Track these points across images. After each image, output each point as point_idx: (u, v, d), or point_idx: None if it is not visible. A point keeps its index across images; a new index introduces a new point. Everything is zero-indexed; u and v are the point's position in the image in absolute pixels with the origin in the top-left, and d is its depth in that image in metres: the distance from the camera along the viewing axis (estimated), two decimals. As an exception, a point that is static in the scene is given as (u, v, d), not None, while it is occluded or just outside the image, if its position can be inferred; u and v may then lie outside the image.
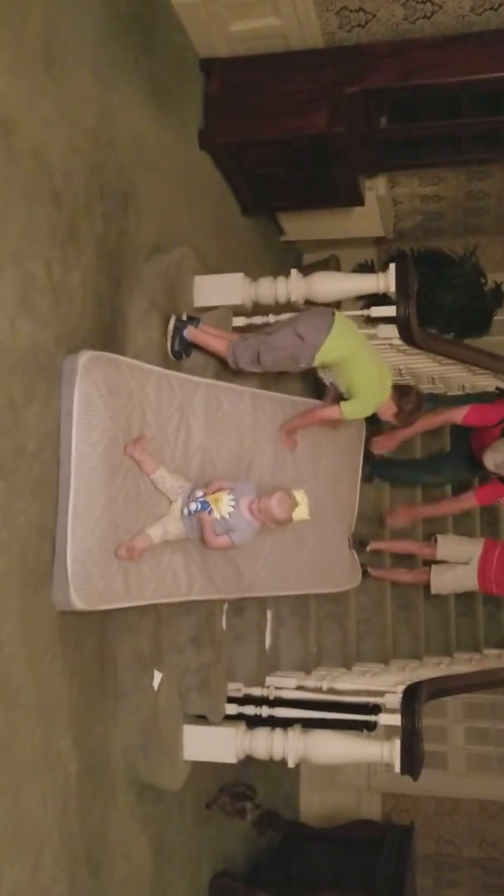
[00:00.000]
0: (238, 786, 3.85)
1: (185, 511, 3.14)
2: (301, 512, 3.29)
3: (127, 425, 3.02)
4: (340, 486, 4.26)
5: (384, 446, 4.45)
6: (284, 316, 3.81)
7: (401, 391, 3.80)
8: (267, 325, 3.78)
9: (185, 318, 3.58)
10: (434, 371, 4.65)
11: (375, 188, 5.73)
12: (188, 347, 3.62)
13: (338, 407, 3.72)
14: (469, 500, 4.51)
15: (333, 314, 3.56)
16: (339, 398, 3.77)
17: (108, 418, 2.92)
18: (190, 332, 3.57)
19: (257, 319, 3.89)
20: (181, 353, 3.59)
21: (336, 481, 4.20)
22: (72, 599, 2.79)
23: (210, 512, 3.14)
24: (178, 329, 3.55)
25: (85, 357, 2.86)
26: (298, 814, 6.43)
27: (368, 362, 3.65)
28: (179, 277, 3.70)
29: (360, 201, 5.47)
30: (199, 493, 3.16)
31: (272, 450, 3.79)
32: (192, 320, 3.59)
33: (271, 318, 3.88)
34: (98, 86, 3.32)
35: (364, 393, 3.67)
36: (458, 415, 4.32)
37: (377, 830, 5.50)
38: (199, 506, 3.14)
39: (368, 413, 3.80)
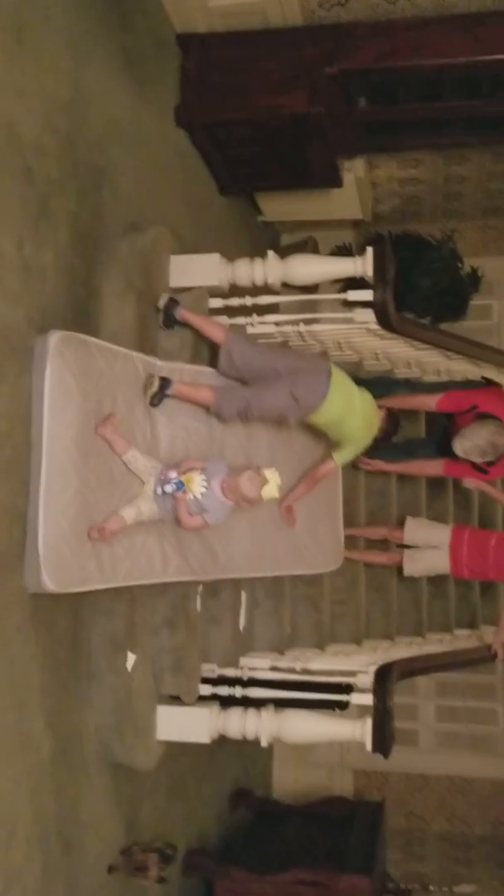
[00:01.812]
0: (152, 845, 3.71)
1: (159, 491, 3.13)
2: (270, 490, 3.29)
3: (98, 406, 3.02)
4: (312, 465, 4.26)
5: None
6: (271, 300, 3.82)
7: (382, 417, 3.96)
8: (259, 346, 3.74)
9: (160, 320, 3.58)
10: (410, 356, 4.66)
11: (354, 170, 5.70)
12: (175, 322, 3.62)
13: (332, 462, 3.86)
14: (437, 468, 4.54)
15: (330, 373, 3.57)
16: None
17: (80, 399, 2.90)
18: (182, 313, 3.57)
19: (234, 301, 3.87)
20: (171, 323, 3.61)
21: (312, 464, 4.20)
22: (44, 582, 2.78)
23: (185, 492, 3.14)
24: (170, 309, 3.56)
25: (56, 337, 2.83)
26: (272, 791, 6.51)
27: (357, 414, 3.70)
28: (155, 257, 3.67)
29: (338, 183, 5.45)
30: (173, 474, 3.15)
31: (244, 432, 3.78)
32: (174, 305, 3.56)
33: (248, 301, 3.86)
34: (72, 60, 3.27)
35: (355, 442, 3.81)
36: (433, 401, 4.34)
37: (349, 807, 5.58)
38: (174, 486, 3.13)
39: (362, 451, 3.95)
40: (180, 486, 3.14)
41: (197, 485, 3.17)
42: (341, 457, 3.85)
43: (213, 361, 3.73)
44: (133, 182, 3.83)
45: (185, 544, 3.42)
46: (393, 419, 4.00)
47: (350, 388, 3.69)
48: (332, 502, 4.37)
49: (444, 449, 4.42)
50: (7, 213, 2.74)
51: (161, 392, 3.35)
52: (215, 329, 3.62)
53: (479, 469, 4.27)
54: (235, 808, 5.47)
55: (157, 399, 3.35)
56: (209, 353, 3.84)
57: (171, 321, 3.60)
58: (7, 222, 2.74)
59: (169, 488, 3.13)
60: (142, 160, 3.97)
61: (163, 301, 3.56)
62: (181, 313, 3.57)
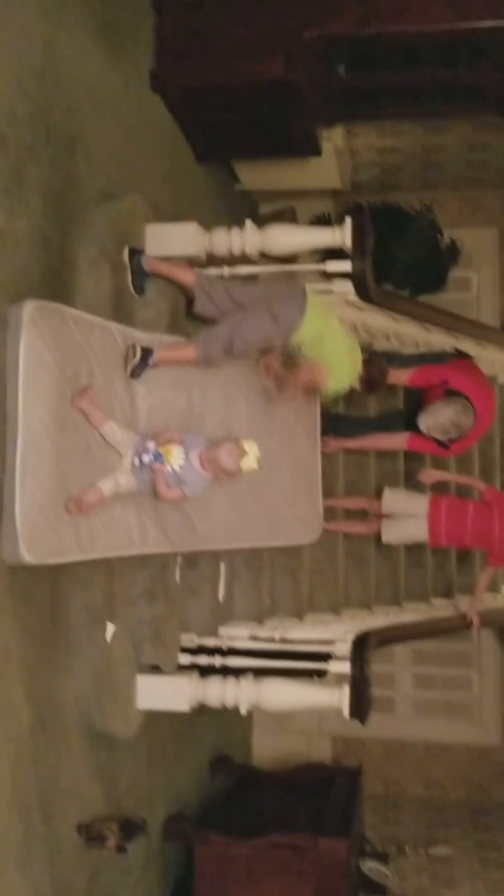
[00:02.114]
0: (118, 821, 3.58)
1: (137, 462, 3.12)
2: (249, 462, 3.28)
3: (74, 377, 2.99)
4: (296, 441, 4.24)
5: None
6: (250, 270, 3.78)
7: (366, 360, 3.94)
8: (230, 281, 3.73)
9: (131, 257, 3.54)
10: (389, 328, 4.67)
11: (333, 139, 5.65)
12: (146, 277, 3.58)
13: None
14: (400, 442, 4.56)
15: (305, 292, 3.58)
16: None
17: (55, 370, 2.88)
18: (148, 262, 3.54)
19: (212, 271, 3.84)
20: (142, 282, 3.56)
21: (291, 436, 4.19)
22: (21, 553, 2.77)
23: (163, 463, 3.13)
24: (136, 260, 3.51)
25: (30, 307, 2.79)
26: (251, 758, 6.60)
27: (340, 336, 3.71)
28: (130, 226, 3.63)
29: (316, 151, 5.40)
30: (151, 445, 3.14)
31: (223, 404, 3.76)
32: (136, 254, 3.54)
33: (226, 271, 3.84)
34: (44, 23, 3.20)
35: (339, 366, 3.74)
36: (405, 375, 4.35)
37: (327, 773, 5.66)
38: (152, 457, 3.12)
39: (347, 386, 3.89)
40: (158, 457, 3.13)
41: (175, 457, 3.16)
42: (329, 383, 3.81)
43: (191, 328, 3.73)
44: (107, 149, 3.77)
45: (164, 516, 3.42)
46: (376, 365, 3.98)
47: (328, 311, 3.71)
48: (311, 474, 4.36)
49: (413, 423, 4.45)
50: (-21, 181, 2.69)
51: (143, 363, 3.32)
52: (184, 272, 3.61)
53: (441, 444, 4.30)
54: (215, 775, 5.54)
55: (138, 370, 3.32)
56: (189, 323, 3.82)
57: (140, 279, 3.54)
58: (-21, 190, 2.69)
59: (146, 458, 3.12)
60: (116, 127, 3.91)
61: (125, 254, 3.49)
62: (147, 262, 3.53)
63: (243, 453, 3.25)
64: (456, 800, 6.63)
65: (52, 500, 2.89)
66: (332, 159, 5.77)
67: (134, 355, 3.29)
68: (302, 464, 4.23)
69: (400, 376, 4.36)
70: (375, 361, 4.02)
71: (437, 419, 4.16)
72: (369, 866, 4.94)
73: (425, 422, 4.19)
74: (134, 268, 3.51)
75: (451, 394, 4.21)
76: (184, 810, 4.86)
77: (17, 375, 2.79)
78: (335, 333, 3.70)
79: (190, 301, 3.71)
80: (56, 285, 3.19)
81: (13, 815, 2.95)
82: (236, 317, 3.54)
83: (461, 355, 4.63)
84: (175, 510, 3.45)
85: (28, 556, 2.79)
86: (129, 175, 4.03)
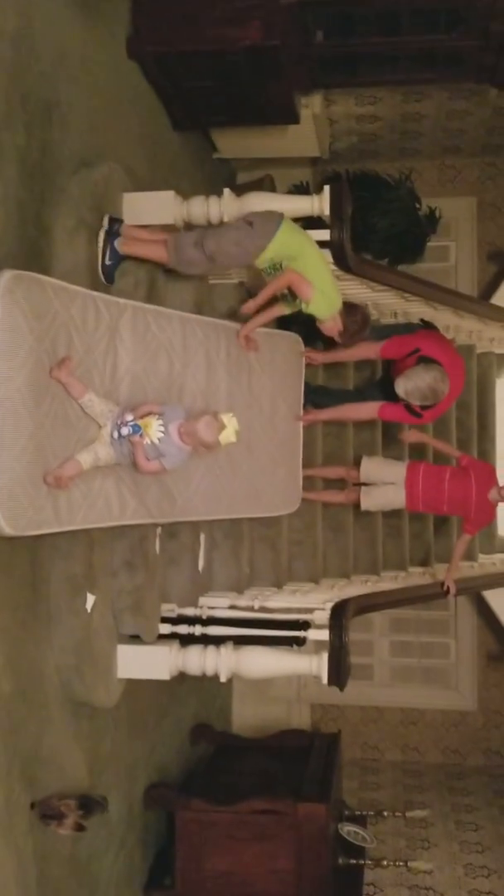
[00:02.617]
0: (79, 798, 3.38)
1: (116, 435, 3.11)
2: (228, 435, 3.28)
3: (53, 348, 2.95)
4: (277, 413, 4.24)
5: (314, 358, 4.48)
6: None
7: (348, 309, 3.87)
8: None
9: (110, 226, 3.50)
10: (367, 297, 4.66)
11: (311, 106, 5.59)
12: (119, 261, 3.54)
13: (310, 290, 3.67)
14: (372, 411, 4.53)
15: (282, 216, 3.61)
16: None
17: (32, 340, 2.84)
18: (123, 245, 3.51)
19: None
20: (113, 270, 3.51)
21: (272, 408, 4.19)
22: (0, 525, 2.77)
23: (141, 435, 3.13)
24: (109, 241, 3.47)
25: (7, 276, 2.76)
26: (231, 726, 6.68)
27: (320, 260, 3.69)
28: (108, 194, 3.58)
29: (294, 119, 5.34)
30: (129, 417, 3.12)
31: (204, 374, 3.75)
32: (115, 223, 3.53)
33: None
34: (18, -15, 3.12)
35: (322, 284, 3.67)
36: (376, 347, 4.35)
37: (306, 739, 5.75)
38: (131, 429, 3.11)
39: (327, 313, 3.78)
40: (136, 429, 3.11)
41: (154, 430, 3.14)
42: (314, 303, 3.71)
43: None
44: (84, 116, 3.71)
45: (143, 488, 3.42)
46: (360, 312, 3.92)
47: (309, 237, 3.70)
48: (293, 446, 4.38)
49: (387, 393, 4.44)
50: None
51: (110, 233, 3.38)
52: (157, 251, 3.60)
53: (413, 413, 4.29)
54: (195, 743, 5.61)
55: (107, 255, 3.40)
56: (167, 294, 3.81)
57: (112, 268, 3.52)
58: (-48, 157, 2.64)
59: (125, 431, 3.10)
60: (93, 94, 3.84)
61: (105, 222, 3.48)
62: (122, 244, 3.52)
63: (222, 426, 3.25)
64: (432, 764, 6.77)
65: (31, 472, 2.88)
66: (310, 127, 5.72)
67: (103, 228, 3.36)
68: (283, 436, 4.24)
69: (372, 349, 4.35)
70: (358, 309, 3.94)
71: (415, 383, 4.11)
72: (348, 829, 5.05)
73: (404, 385, 4.14)
74: (108, 256, 3.49)
75: (425, 360, 4.18)
76: (165, 777, 4.92)
77: (-6, 346, 2.76)
78: (315, 250, 3.68)
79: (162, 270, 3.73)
80: (33, 255, 3.16)
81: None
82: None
83: (428, 326, 4.63)
84: (154, 482, 3.45)
85: (7, 528, 2.79)
86: (106, 143, 3.97)
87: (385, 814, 5.55)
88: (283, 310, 3.92)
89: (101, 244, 3.46)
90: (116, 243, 3.50)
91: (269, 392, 4.16)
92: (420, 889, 4.87)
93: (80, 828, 3.26)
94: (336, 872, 4.68)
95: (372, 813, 5.51)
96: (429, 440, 4.94)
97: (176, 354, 3.59)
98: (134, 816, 4.48)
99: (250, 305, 3.89)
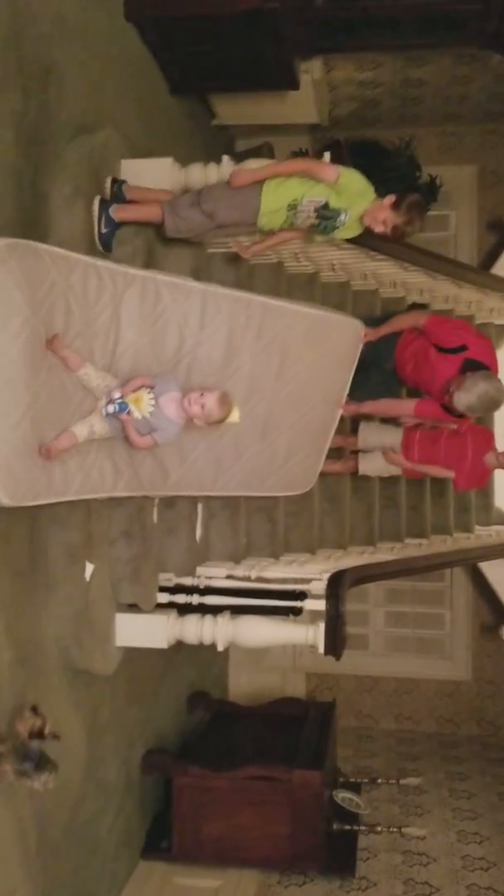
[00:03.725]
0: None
1: (104, 412, 3.08)
2: (233, 415, 3.28)
3: (50, 319, 2.90)
4: (307, 403, 3.96)
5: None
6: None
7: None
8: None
9: (108, 195, 3.49)
10: (368, 268, 4.63)
11: (311, 72, 5.51)
12: (115, 229, 3.49)
13: (332, 168, 3.40)
14: (409, 408, 4.39)
15: None
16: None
17: (27, 311, 2.78)
18: (116, 211, 3.46)
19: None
20: (109, 238, 3.47)
21: (302, 397, 3.92)
22: None
23: (129, 413, 3.08)
24: (104, 209, 3.43)
25: (0, 245, 2.71)
26: (227, 694, 6.75)
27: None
28: (105, 161, 3.54)
29: (294, 85, 5.26)
30: (117, 395, 3.06)
31: (222, 354, 3.52)
32: (116, 183, 3.51)
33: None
34: None
35: (354, 174, 3.42)
36: (421, 319, 4.14)
37: (301, 707, 5.81)
38: (117, 407, 3.05)
39: (367, 198, 3.45)
40: (123, 407, 3.05)
41: (145, 403, 3.09)
42: (345, 179, 3.38)
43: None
44: (81, 81, 3.65)
45: (137, 461, 3.37)
46: (411, 204, 3.48)
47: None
48: (320, 434, 4.13)
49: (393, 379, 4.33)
50: None
51: (105, 215, 3.35)
52: (152, 211, 3.55)
53: (451, 411, 4.06)
54: (192, 710, 5.67)
55: (102, 223, 3.37)
56: (165, 263, 3.76)
57: (109, 233, 3.48)
58: None
59: (111, 409, 3.05)
60: (90, 58, 3.78)
61: (108, 183, 3.47)
62: (116, 210, 3.46)
63: (231, 406, 3.25)
64: (426, 733, 6.86)
65: (27, 443, 2.86)
66: (309, 93, 5.64)
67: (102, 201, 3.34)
68: (309, 425, 4.01)
69: (417, 318, 4.18)
70: (403, 201, 3.46)
71: (478, 396, 3.81)
72: (342, 796, 5.11)
73: (466, 400, 3.82)
74: (103, 224, 3.44)
75: (473, 365, 3.91)
76: (162, 744, 4.98)
77: (-11, 315, 2.72)
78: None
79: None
80: (30, 222, 3.12)
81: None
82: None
83: (421, 307, 4.56)
84: (149, 455, 3.41)
85: (4, 499, 2.79)
86: (104, 108, 3.91)
87: (379, 781, 5.62)
88: (295, 236, 3.73)
89: (95, 212, 3.42)
90: (111, 210, 3.46)
91: (302, 380, 3.86)
92: (413, 855, 4.95)
93: (21, 773, 2.98)
94: (330, 838, 4.76)
95: (366, 780, 5.59)
96: (428, 420, 4.85)
97: (189, 330, 3.40)
98: (132, 782, 4.54)
99: (256, 248, 3.77)
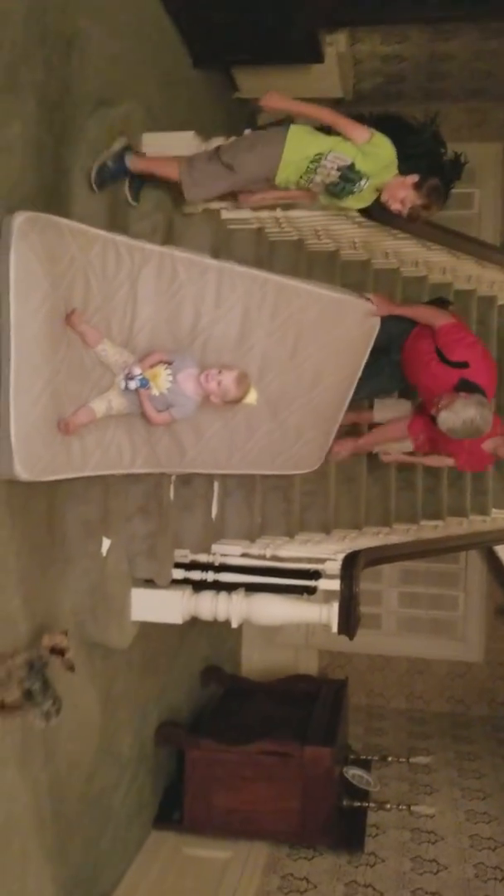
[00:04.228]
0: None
1: (124, 387, 3.08)
2: (251, 396, 3.27)
3: (69, 294, 2.90)
4: (320, 384, 3.91)
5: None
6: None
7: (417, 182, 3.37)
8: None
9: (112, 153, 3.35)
10: (389, 246, 4.58)
11: (336, 44, 5.43)
12: (121, 175, 3.35)
13: (364, 128, 3.25)
14: (402, 430, 4.30)
15: (293, 120, 3.36)
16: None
17: (47, 286, 2.78)
18: (133, 160, 3.34)
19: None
20: (109, 177, 3.31)
21: (315, 379, 3.87)
22: (16, 470, 2.78)
23: (149, 388, 3.09)
24: (126, 151, 3.33)
25: (21, 218, 2.68)
26: (240, 669, 6.80)
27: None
28: (127, 133, 3.50)
29: (318, 58, 5.19)
30: (137, 371, 3.06)
31: (236, 332, 3.51)
32: (126, 150, 3.40)
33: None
34: None
35: (385, 142, 3.28)
36: (440, 320, 3.98)
37: (313, 684, 5.85)
38: (138, 383, 3.06)
39: (391, 171, 3.33)
40: (143, 383, 3.06)
41: (163, 379, 3.10)
42: (375, 142, 3.24)
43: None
44: (104, 52, 3.61)
45: (155, 437, 3.38)
46: (432, 187, 3.35)
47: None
48: (331, 414, 4.10)
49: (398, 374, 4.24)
50: (-30, 82, 2.59)
51: (118, 160, 3.24)
52: (169, 167, 3.41)
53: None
54: (206, 685, 5.72)
55: (107, 171, 3.25)
56: (184, 239, 3.74)
57: (137, 186, 3.43)
58: (-30, 92, 2.59)
59: (132, 385, 3.06)
60: (112, 28, 3.73)
61: (120, 143, 3.34)
62: (133, 161, 3.36)
63: (249, 386, 3.24)
64: (437, 713, 6.88)
65: (46, 419, 2.87)
66: (334, 67, 5.56)
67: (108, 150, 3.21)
68: (320, 405, 3.98)
69: (436, 318, 4.03)
70: (424, 184, 3.35)
71: (462, 420, 3.71)
72: (352, 773, 5.16)
73: (451, 420, 3.72)
74: (109, 163, 3.31)
75: (467, 387, 3.81)
76: (176, 717, 5.03)
77: (8, 291, 2.72)
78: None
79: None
80: (51, 195, 3.11)
81: (12, 717, 3.05)
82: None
83: (443, 303, 4.44)
84: (166, 433, 3.41)
85: (23, 473, 2.80)
86: (126, 80, 3.88)
87: (389, 759, 5.66)
88: (302, 196, 3.59)
89: (114, 148, 3.33)
90: (128, 157, 3.36)
91: (316, 361, 3.82)
92: (422, 832, 5.00)
93: (28, 694, 2.90)
94: (340, 814, 4.81)
95: (376, 758, 5.63)
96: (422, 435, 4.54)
97: (205, 308, 3.38)
98: (145, 753, 4.59)
99: (257, 197, 3.61)
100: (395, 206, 3.40)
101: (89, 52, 3.45)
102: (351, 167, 3.28)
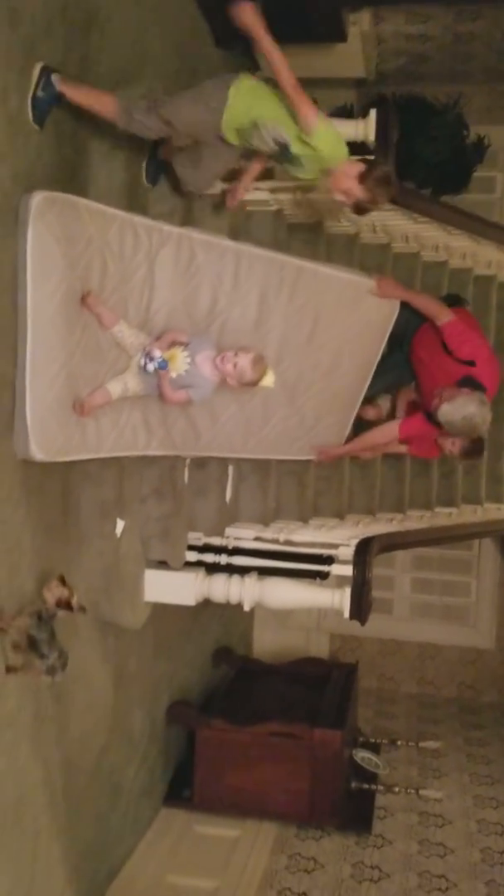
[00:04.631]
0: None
1: (144, 368, 3.07)
2: (268, 379, 3.26)
3: (86, 275, 2.89)
4: (338, 369, 3.87)
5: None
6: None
7: (368, 166, 3.15)
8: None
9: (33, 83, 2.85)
10: (409, 229, 4.53)
11: (359, 24, 5.35)
12: (55, 101, 2.90)
13: (314, 118, 2.93)
14: (393, 433, 4.16)
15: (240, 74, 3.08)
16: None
17: (64, 266, 2.78)
18: (63, 83, 2.89)
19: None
20: (45, 107, 2.87)
21: (333, 363, 3.81)
22: (31, 450, 2.81)
23: (167, 370, 3.09)
24: (45, 74, 2.84)
25: (39, 198, 2.68)
26: (252, 650, 6.84)
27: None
28: (42, 59, 3.40)
29: (341, 37, 5.13)
30: (157, 353, 3.06)
31: (254, 315, 3.48)
32: (45, 73, 2.86)
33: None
34: None
35: (329, 137, 3.00)
36: (444, 316, 3.86)
37: (324, 667, 5.87)
38: (158, 364, 3.06)
39: (339, 153, 3.07)
40: (163, 364, 3.06)
41: (180, 361, 3.11)
42: (320, 131, 2.96)
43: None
44: (124, 29, 3.58)
45: (170, 420, 3.39)
46: (378, 166, 3.16)
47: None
48: (349, 398, 4.04)
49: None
50: (-10, 61, 2.57)
51: (45, 86, 2.78)
52: (105, 99, 3.04)
53: (436, 422, 3.84)
54: (217, 665, 5.76)
55: (39, 91, 2.78)
56: (203, 221, 3.71)
57: (155, 170, 3.27)
58: (-10, 70, 2.57)
59: (151, 367, 3.06)
60: (133, 7, 3.70)
61: (36, 71, 2.82)
62: (61, 83, 2.88)
63: (265, 369, 3.23)
64: (447, 698, 6.90)
65: (62, 400, 2.89)
66: (357, 46, 5.49)
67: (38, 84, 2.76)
68: (338, 390, 3.93)
69: (441, 313, 3.91)
70: (381, 166, 3.19)
71: (462, 416, 3.61)
72: (362, 756, 5.19)
73: (450, 413, 3.63)
74: (39, 89, 2.84)
75: (472, 384, 3.73)
76: (187, 697, 5.08)
77: (26, 272, 2.72)
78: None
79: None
80: (70, 175, 3.10)
81: (25, 695, 3.08)
82: None
83: (458, 301, 4.35)
84: (182, 416, 3.41)
85: (38, 454, 2.83)
86: (146, 58, 3.85)
87: (399, 743, 5.68)
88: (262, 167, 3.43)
89: (35, 74, 2.85)
90: (54, 77, 2.87)
91: (334, 345, 3.78)
92: (429, 816, 5.03)
93: (31, 641, 2.87)
94: (348, 796, 4.84)
95: (386, 741, 5.65)
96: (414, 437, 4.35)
97: (223, 290, 3.36)
98: (156, 732, 4.64)
99: (238, 190, 3.47)
100: (338, 199, 3.20)
101: (109, 29, 3.42)
102: (287, 146, 3.04)
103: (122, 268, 3.05)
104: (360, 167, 3.11)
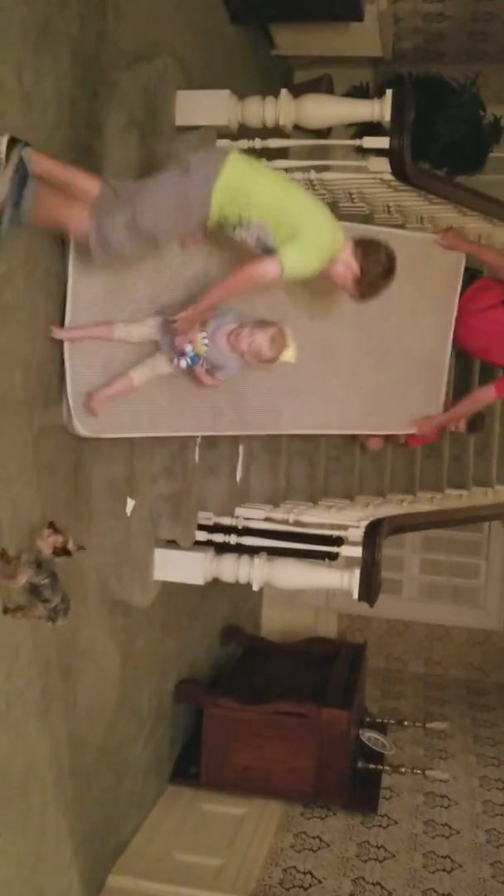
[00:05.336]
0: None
1: (176, 365, 3.12)
2: (288, 354, 3.07)
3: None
4: (415, 330, 3.75)
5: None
6: (281, 144, 3.60)
7: (366, 246, 2.94)
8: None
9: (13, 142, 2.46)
10: (424, 210, 4.49)
11: (377, 2, 5.28)
12: (23, 190, 2.48)
13: (274, 258, 2.74)
14: (489, 396, 4.15)
15: (227, 152, 2.76)
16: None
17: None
18: (38, 161, 2.50)
19: (242, 143, 3.67)
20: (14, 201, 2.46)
21: (411, 323, 3.69)
22: (76, 426, 3.02)
23: (200, 364, 3.12)
24: (18, 147, 2.44)
25: None
26: (260, 629, 6.87)
27: (300, 191, 2.86)
28: (161, 91, 3.45)
29: (358, 15, 5.06)
30: (188, 348, 3.06)
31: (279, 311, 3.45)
32: (16, 145, 2.47)
33: (257, 144, 3.67)
34: None
35: (309, 227, 2.74)
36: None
37: (332, 647, 5.90)
38: (190, 360, 3.10)
39: (316, 264, 2.85)
40: (195, 360, 3.09)
41: (199, 343, 3.07)
42: (290, 255, 2.73)
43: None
44: (139, 8, 3.55)
45: (245, 402, 3.45)
46: (379, 249, 2.95)
47: (277, 172, 2.88)
48: (438, 365, 3.96)
49: None
50: (4, 39, 2.55)
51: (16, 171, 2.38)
52: (84, 179, 2.70)
53: None
54: (225, 644, 5.80)
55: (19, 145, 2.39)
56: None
57: (21, 181, 2.47)
58: (4, 49, 2.55)
59: (184, 363, 3.11)
60: (148, -21, 3.67)
61: (3, 143, 2.42)
62: (35, 160, 2.50)
63: (286, 344, 3.04)
64: (455, 679, 6.93)
65: (99, 381, 3.05)
66: (374, 25, 5.42)
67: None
68: (424, 355, 3.86)
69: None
70: (381, 247, 2.98)
71: None
72: (368, 736, 5.22)
73: None
74: (14, 166, 2.44)
75: None
76: (195, 675, 5.11)
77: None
78: (289, 183, 2.84)
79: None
80: (84, 152, 3.08)
81: (34, 671, 3.12)
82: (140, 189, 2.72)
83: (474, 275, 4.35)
84: (222, 395, 3.43)
85: (82, 430, 3.02)
86: (162, 35, 3.81)
87: (405, 723, 5.71)
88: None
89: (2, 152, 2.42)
90: (26, 153, 2.46)
91: (410, 305, 3.68)
92: (435, 796, 5.06)
93: (33, 589, 2.81)
94: (354, 775, 4.88)
95: (393, 721, 5.68)
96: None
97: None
98: (164, 710, 4.68)
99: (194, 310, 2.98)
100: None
101: (125, 5, 3.39)
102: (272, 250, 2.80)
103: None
104: (356, 269, 2.93)
